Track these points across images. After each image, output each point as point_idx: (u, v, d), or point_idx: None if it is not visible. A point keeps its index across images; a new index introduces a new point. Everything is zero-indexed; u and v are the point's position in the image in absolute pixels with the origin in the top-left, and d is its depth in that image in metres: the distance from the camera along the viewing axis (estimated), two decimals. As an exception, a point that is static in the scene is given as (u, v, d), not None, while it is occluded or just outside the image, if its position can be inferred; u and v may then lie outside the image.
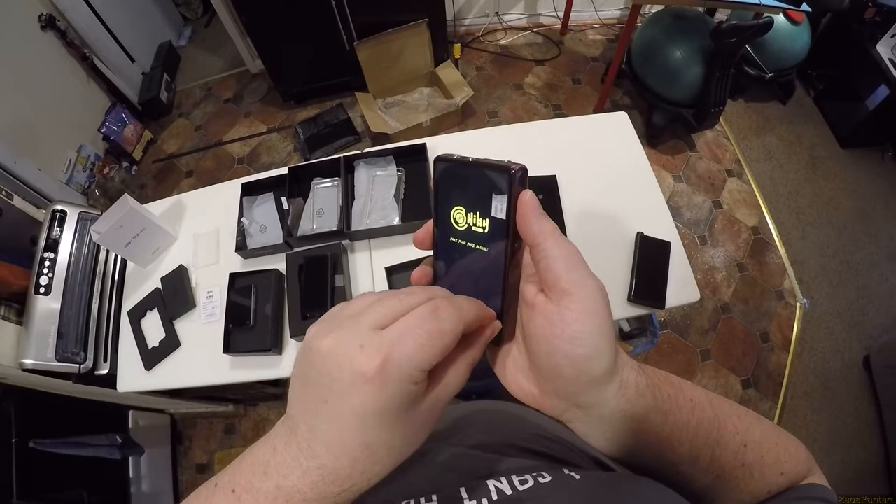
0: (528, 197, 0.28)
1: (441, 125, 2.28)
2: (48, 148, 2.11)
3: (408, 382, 0.24)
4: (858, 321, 2.10)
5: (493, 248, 0.30)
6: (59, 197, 2.05)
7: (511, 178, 0.28)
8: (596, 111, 2.42)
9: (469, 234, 0.30)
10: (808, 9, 1.88)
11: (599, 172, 1.17)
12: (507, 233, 0.29)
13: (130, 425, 1.60)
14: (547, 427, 0.44)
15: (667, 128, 2.30)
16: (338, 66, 2.31)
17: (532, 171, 0.99)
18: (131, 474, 1.57)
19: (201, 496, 0.26)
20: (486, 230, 0.30)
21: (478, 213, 0.30)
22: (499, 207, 0.29)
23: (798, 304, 2.07)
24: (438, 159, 0.31)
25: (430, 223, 0.32)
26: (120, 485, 1.54)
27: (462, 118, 2.35)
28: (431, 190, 0.32)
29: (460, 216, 0.30)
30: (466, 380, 0.27)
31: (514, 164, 0.29)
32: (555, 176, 1.14)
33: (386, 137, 2.18)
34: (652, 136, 2.31)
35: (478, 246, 0.30)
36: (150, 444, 1.67)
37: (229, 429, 1.90)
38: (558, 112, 2.46)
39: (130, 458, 1.57)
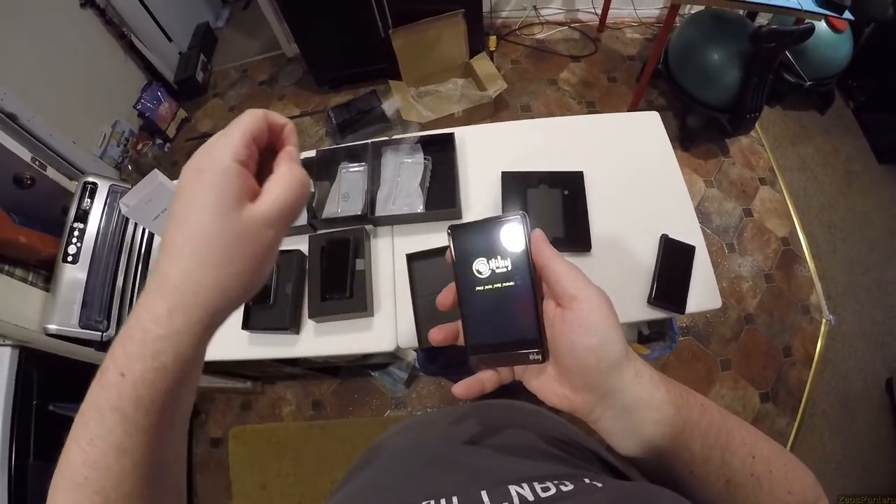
0: (538, 232, 0.37)
1: (473, 116, 2.28)
2: (84, 122, 2.17)
3: (224, 170, 0.29)
4: (884, 342, 2.05)
5: (520, 278, 0.36)
6: (92, 170, 2.10)
7: (524, 219, 0.37)
8: (630, 110, 2.39)
9: (494, 277, 0.37)
10: (851, 17, 1.82)
11: (627, 171, 1.15)
12: (529, 260, 0.36)
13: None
14: (561, 429, 0.48)
15: (701, 131, 2.26)
16: (373, 54, 2.32)
17: (559, 166, 1.08)
18: None
19: (92, 392, 0.30)
20: (510, 267, 0.36)
21: (498, 257, 0.37)
22: (519, 244, 0.36)
23: (823, 320, 2.03)
24: (453, 227, 0.38)
25: (452, 286, 0.39)
26: None
27: (494, 110, 2.35)
28: (451, 256, 0.38)
29: (482, 266, 0.37)
30: (297, 202, 0.32)
31: (518, 211, 0.38)
32: (581, 172, 1.13)
33: (417, 126, 2.19)
34: (685, 139, 2.27)
35: (505, 283, 0.37)
36: None
37: (245, 405, 1.94)
38: (592, 109, 2.44)
39: None
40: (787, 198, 2.24)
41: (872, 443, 1.92)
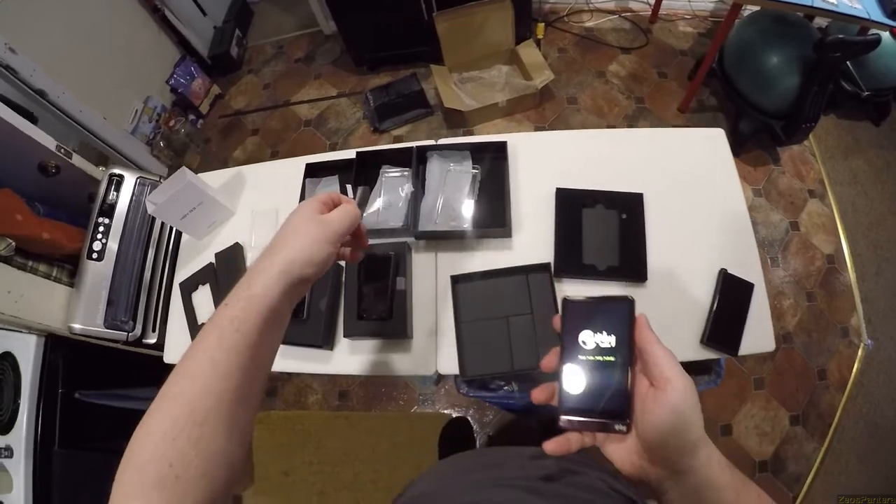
0: (643, 318, 0.42)
1: (517, 106, 2.20)
2: (115, 98, 2.14)
3: (312, 205, 0.54)
4: (923, 373, 2.00)
5: (621, 355, 0.41)
6: (122, 146, 2.08)
7: (631, 304, 0.42)
8: (681, 110, 2.30)
9: (597, 350, 0.41)
10: None
11: (689, 194, 1.08)
12: (631, 341, 0.41)
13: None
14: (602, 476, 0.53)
15: (752, 137, 2.16)
16: (414, 36, 2.23)
17: (616, 184, 1.01)
18: None
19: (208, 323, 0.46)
20: (614, 344, 0.41)
21: (604, 332, 0.41)
22: (624, 325, 0.41)
23: (861, 345, 1.97)
24: (567, 301, 0.43)
25: (555, 350, 0.43)
26: None
27: (540, 101, 2.26)
28: (559, 324, 0.43)
29: (588, 338, 0.42)
30: (345, 219, 0.54)
31: (628, 296, 0.42)
32: (641, 195, 1.06)
33: (459, 114, 2.12)
34: (736, 144, 2.17)
35: (606, 357, 0.41)
36: None
37: (271, 391, 1.95)
38: (640, 105, 2.34)
39: None
40: (835, 213, 2.16)
41: (899, 474, 1.89)
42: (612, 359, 0.41)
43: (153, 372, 1.52)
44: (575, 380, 0.41)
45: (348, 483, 1.76)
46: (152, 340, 1.35)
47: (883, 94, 2.21)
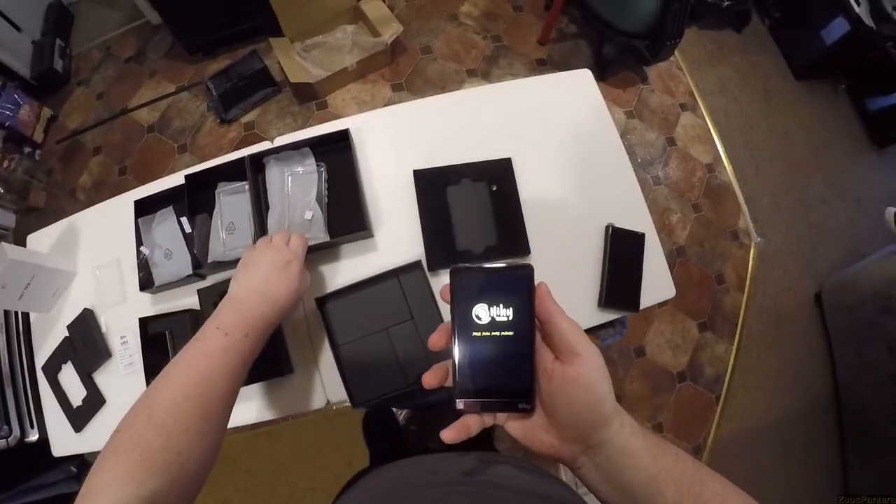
0: (544, 286, 0.38)
1: (369, 66, 2.04)
2: None
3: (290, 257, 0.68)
4: (810, 258, 2.09)
5: (519, 329, 0.37)
6: None
7: (530, 272, 0.38)
8: (541, 42, 2.23)
9: (493, 325, 0.38)
10: None
11: (561, 149, 0.99)
12: (531, 313, 0.37)
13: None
14: (568, 496, 0.48)
15: (617, 59, 2.13)
16: (246, 9, 2.00)
17: (483, 154, 0.88)
18: None
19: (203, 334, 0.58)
20: (511, 317, 0.37)
21: (500, 305, 0.37)
22: (523, 296, 0.37)
23: (753, 244, 2.03)
24: (457, 271, 0.39)
25: (444, 326, 0.40)
26: None
27: (392, 57, 2.11)
28: (448, 296, 0.39)
29: (482, 312, 0.38)
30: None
31: (526, 263, 0.39)
32: (509, 159, 0.96)
33: (308, 87, 1.95)
34: (601, 69, 2.14)
35: (503, 332, 0.37)
36: None
37: None
38: (498, 44, 2.23)
39: None
40: (709, 123, 2.20)
41: (806, 354, 1.98)
42: (510, 333, 0.38)
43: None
44: (470, 358, 0.38)
45: (287, 497, 1.75)
46: (34, 438, 1.20)
47: (743, 1, 2.25)
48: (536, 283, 0.38)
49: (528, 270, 0.38)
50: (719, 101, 2.28)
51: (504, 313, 0.37)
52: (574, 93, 1.06)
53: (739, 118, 2.27)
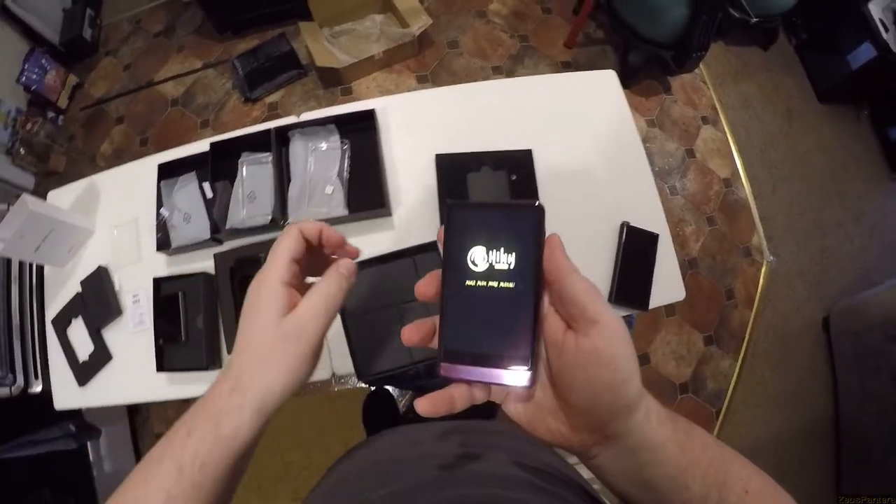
0: (556, 237, 0.31)
1: (395, 56, 2.06)
2: None
3: (272, 290, 0.36)
4: (820, 281, 2.08)
5: (523, 281, 0.30)
6: None
7: (539, 213, 0.30)
8: (567, 45, 2.23)
9: (491, 273, 0.31)
10: None
11: (582, 146, 1.01)
12: (538, 264, 0.30)
13: (83, 408, 1.50)
14: (543, 457, 0.46)
15: (642, 68, 2.14)
16: (277, -10, 2.03)
17: (503, 143, 0.86)
18: (91, 458, 1.49)
19: (161, 443, 0.35)
20: (512, 265, 0.30)
21: (501, 250, 0.30)
22: (529, 242, 0.30)
23: (764, 261, 2.02)
24: (453, 206, 0.32)
25: (436, 273, 0.33)
26: (82, 471, 1.47)
27: (419, 49, 2.12)
28: (444, 238, 0.32)
29: (479, 257, 0.31)
30: (324, 313, 0.37)
31: (536, 201, 0.31)
32: (530, 151, 0.97)
33: (334, 72, 1.96)
34: (626, 76, 2.14)
35: (503, 284, 0.30)
36: (107, 422, 1.58)
37: (187, 398, 1.79)
38: (525, 43, 2.24)
39: (89, 443, 1.49)
40: (729, 137, 2.19)
41: (809, 377, 1.97)
42: (510, 285, 0.30)
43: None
44: (460, 313, 0.31)
45: (282, 475, 1.74)
46: (38, 389, 1.22)
47: (771, 19, 2.23)
48: (549, 234, 0.31)
49: (537, 210, 0.30)
50: (741, 116, 2.28)
51: (505, 260, 0.30)
52: (598, 92, 1.07)
53: (760, 135, 2.26)
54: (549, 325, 0.31)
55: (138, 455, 1.74)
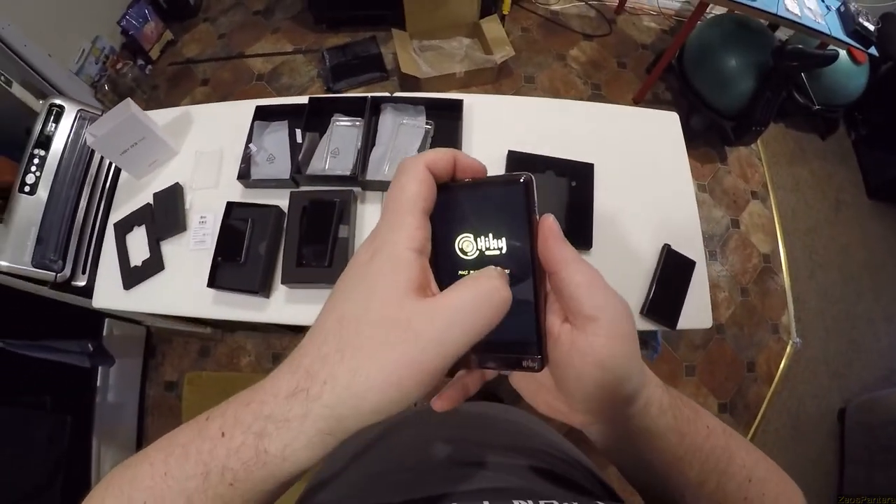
0: (550, 221, 0.27)
1: (474, 79, 2.17)
2: (62, 35, 1.98)
3: (395, 258, 0.25)
4: (843, 373, 2.08)
5: (518, 266, 0.27)
6: (66, 86, 1.94)
7: (526, 186, 0.27)
8: (636, 100, 2.32)
9: (482, 260, 0.28)
10: (875, 52, 1.82)
11: (638, 171, 1.10)
12: (532, 244, 0.27)
13: (105, 333, 1.55)
14: (559, 444, 0.46)
15: (702, 134, 2.21)
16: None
17: (568, 154, 0.95)
18: (98, 383, 1.53)
19: (191, 428, 0.27)
20: (504, 250, 0.27)
21: (490, 235, 0.28)
22: (519, 222, 0.27)
23: (790, 342, 2.04)
24: (438, 188, 0.28)
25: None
26: (86, 392, 1.50)
27: (498, 77, 2.24)
28: (431, 227, 0.28)
29: (468, 244, 0.28)
30: (481, 319, 0.24)
31: (522, 174, 0.27)
32: (592, 165, 1.06)
33: (415, 81, 2.07)
34: (686, 139, 2.21)
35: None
36: (122, 354, 1.62)
37: (204, 351, 1.86)
38: (596, 92, 2.35)
39: (100, 367, 1.52)
40: (775, 216, 2.23)
41: (817, 466, 1.96)
42: (506, 272, 0.27)
43: (80, 322, 1.43)
44: None
45: None
46: (81, 283, 1.26)
47: (833, 109, 2.29)
48: (544, 216, 0.27)
49: (525, 184, 0.27)
50: (790, 198, 2.32)
51: (495, 245, 0.27)
52: (660, 129, 1.18)
53: (806, 219, 2.30)
54: (549, 315, 0.29)
55: (143, 396, 1.77)
